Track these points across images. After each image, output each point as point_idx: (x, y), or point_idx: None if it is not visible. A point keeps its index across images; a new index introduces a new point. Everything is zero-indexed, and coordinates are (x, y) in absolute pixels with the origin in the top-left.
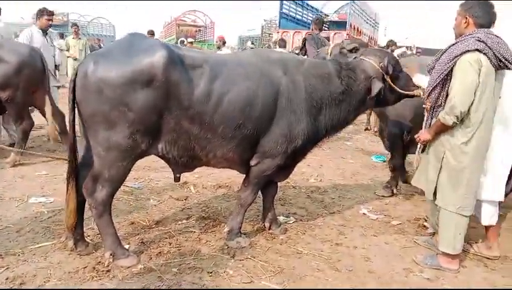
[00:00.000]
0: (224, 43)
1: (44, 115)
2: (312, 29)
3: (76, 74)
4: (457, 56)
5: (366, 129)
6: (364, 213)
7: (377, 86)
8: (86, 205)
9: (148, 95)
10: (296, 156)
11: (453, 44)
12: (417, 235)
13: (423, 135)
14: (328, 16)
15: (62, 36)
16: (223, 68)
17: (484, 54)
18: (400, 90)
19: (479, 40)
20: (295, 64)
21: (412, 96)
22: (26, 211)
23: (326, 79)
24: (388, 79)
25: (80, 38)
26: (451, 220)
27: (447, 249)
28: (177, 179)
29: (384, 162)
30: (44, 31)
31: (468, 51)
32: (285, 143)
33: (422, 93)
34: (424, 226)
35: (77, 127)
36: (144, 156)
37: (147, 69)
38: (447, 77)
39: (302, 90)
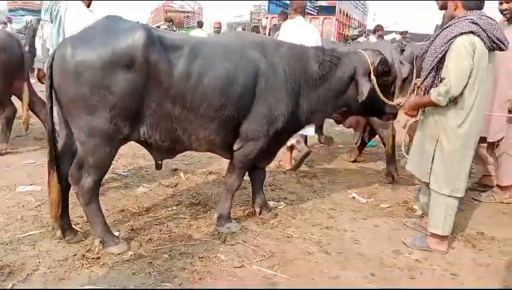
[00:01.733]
0: (201, 25)
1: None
2: (278, 20)
3: (53, 59)
4: (452, 38)
5: None
6: (353, 197)
7: (365, 86)
8: (71, 193)
9: (129, 77)
10: (278, 139)
11: (447, 26)
12: (406, 218)
13: (410, 110)
14: (317, 1)
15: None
16: (202, 49)
17: (478, 35)
18: (381, 96)
19: (472, 22)
20: (274, 46)
21: (391, 109)
22: (13, 200)
23: (304, 62)
24: (374, 79)
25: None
26: (443, 202)
27: (437, 230)
28: (158, 166)
29: (373, 147)
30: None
31: (463, 33)
32: (266, 125)
33: (403, 102)
34: (413, 208)
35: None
36: (127, 141)
37: (126, 50)
38: (442, 59)
39: (280, 72)
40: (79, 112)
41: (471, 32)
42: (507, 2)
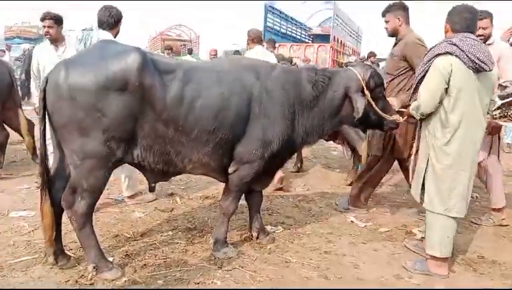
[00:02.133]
0: (190, 52)
1: (15, 130)
2: (266, 48)
3: (47, 83)
4: (431, 59)
5: None
6: (352, 221)
7: (360, 102)
8: (64, 218)
9: (122, 100)
10: (274, 162)
11: (432, 47)
12: (407, 239)
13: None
14: (312, 29)
15: None
16: (195, 73)
17: (456, 56)
18: (378, 110)
19: (451, 44)
20: (267, 69)
21: (391, 122)
22: (6, 225)
23: (297, 84)
24: (368, 94)
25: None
26: (437, 222)
27: (433, 252)
28: (152, 189)
29: None
30: None
31: (439, 54)
32: (260, 148)
33: (401, 118)
34: (412, 232)
35: None
36: (121, 164)
37: (120, 73)
38: (422, 79)
39: (274, 95)
40: (72, 135)
41: (448, 53)
42: (483, 29)
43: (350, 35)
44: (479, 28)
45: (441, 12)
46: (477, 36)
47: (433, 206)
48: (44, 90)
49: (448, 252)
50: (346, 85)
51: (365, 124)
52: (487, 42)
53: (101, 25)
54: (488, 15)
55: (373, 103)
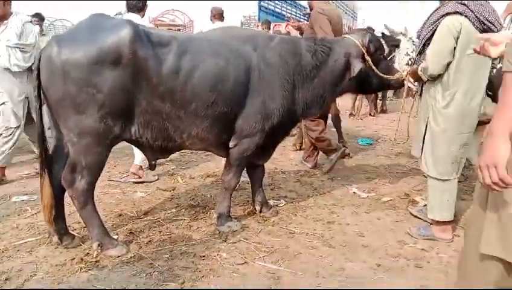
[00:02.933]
0: None
1: None
2: (263, 28)
3: (40, 60)
4: (439, 19)
5: (351, 115)
6: (354, 192)
7: (357, 66)
8: (66, 197)
9: (116, 74)
10: (274, 134)
11: (437, 8)
12: (411, 206)
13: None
14: (306, 8)
15: None
16: (191, 45)
17: (465, 16)
18: (380, 74)
19: (460, 3)
20: (265, 40)
21: (395, 81)
22: (9, 210)
23: (296, 54)
24: (369, 59)
25: (44, 35)
26: (436, 186)
27: (435, 216)
28: (152, 167)
29: (370, 144)
30: None
31: (448, 13)
32: (261, 121)
33: (404, 75)
34: (415, 201)
35: None
36: (119, 141)
37: (113, 47)
38: (429, 40)
39: (273, 65)
40: (68, 112)
41: (457, 12)
42: None
43: (345, 13)
44: None
45: (425, 12)
46: None
47: (429, 169)
48: (38, 68)
49: (449, 216)
50: (346, 53)
51: (369, 88)
52: None
53: (131, 8)
54: None
55: (374, 68)
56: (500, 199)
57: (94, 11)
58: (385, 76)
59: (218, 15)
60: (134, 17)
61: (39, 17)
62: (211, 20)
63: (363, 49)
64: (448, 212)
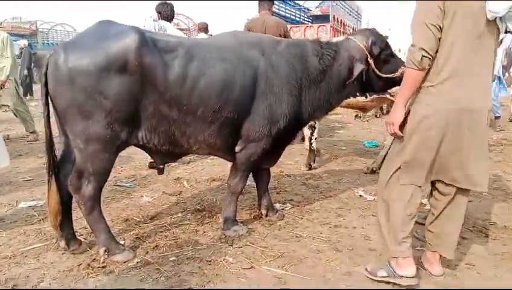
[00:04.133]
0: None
1: None
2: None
3: (47, 66)
4: None
5: (357, 116)
6: (360, 195)
7: (357, 68)
8: (73, 203)
9: (123, 81)
10: (281, 139)
11: None
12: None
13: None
14: (310, 10)
15: None
16: (198, 51)
17: None
18: (383, 75)
19: None
20: (272, 44)
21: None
22: (16, 216)
23: (303, 58)
24: (371, 61)
25: None
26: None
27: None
28: (160, 171)
29: (376, 147)
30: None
31: None
32: (267, 125)
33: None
34: (421, 203)
35: None
36: (126, 147)
37: (119, 54)
38: None
39: (280, 70)
40: (75, 119)
41: None
42: None
43: (350, 14)
44: None
45: None
46: None
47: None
48: (46, 75)
49: None
50: (350, 56)
51: (378, 89)
52: None
53: (165, 17)
54: None
55: (377, 70)
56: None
57: (95, 14)
58: (390, 76)
59: (203, 28)
60: (167, 26)
61: None
62: (197, 32)
63: (366, 51)
64: None
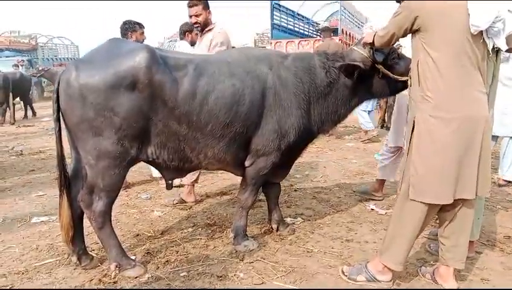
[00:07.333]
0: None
1: None
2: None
3: (59, 83)
4: None
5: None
6: (372, 209)
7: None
8: (85, 218)
9: (133, 98)
10: (291, 153)
11: None
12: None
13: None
14: (319, 24)
15: None
16: (207, 67)
17: None
18: (395, 77)
19: None
20: (279, 59)
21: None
22: (28, 231)
23: (311, 72)
24: (380, 67)
25: None
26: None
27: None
28: (169, 187)
29: None
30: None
31: None
32: (277, 139)
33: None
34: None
35: None
36: (136, 163)
37: (129, 71)
38: None
39: (288, 84)
40: (86, 135)
41: None
42: (196, 16)
43: (358, 27)
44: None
45: None
46: (194, 24)
47: None
48: (57, 91)
49: (473, 235)
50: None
51: (400, 89)
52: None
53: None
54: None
55: (389, 73)
56: None
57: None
58: (398, 78)
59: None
60: (185, 45)
61: None
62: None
63: (370, 59)
64: (477, 231)
